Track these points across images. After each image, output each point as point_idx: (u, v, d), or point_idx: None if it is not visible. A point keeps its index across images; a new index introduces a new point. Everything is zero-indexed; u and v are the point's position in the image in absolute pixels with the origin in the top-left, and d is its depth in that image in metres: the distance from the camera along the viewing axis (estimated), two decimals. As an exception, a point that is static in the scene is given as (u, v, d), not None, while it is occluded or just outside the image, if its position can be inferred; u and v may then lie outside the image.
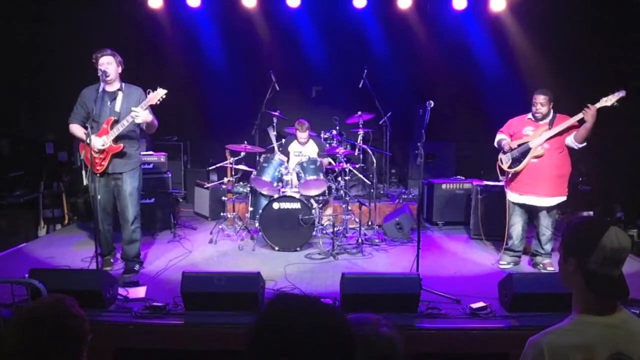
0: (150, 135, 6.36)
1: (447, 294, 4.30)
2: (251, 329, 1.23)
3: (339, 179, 6.56)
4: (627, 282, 1.73)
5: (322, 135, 7.44)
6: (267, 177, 6.08)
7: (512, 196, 5.22)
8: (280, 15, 8.28)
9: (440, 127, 7.33)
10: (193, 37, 8.46)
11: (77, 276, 4.32)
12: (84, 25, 7.62)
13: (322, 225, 6.28)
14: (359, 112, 7.23)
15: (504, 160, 5.20)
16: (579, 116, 4.80)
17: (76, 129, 4.86)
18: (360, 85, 7.66)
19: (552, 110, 5.03)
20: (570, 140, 4.95)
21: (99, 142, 4.69)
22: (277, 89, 7.84)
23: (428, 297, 4.20)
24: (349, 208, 6.42)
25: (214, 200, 7.34)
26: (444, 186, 7.07)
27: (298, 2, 7.89)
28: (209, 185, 7.41)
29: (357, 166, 6.94)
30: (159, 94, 4.67)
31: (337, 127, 7.57)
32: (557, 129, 4.92)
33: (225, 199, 6.62)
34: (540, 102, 4.96)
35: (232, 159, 6.53)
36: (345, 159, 6.47)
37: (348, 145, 7.54)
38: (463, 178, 7.21)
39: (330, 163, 6.78)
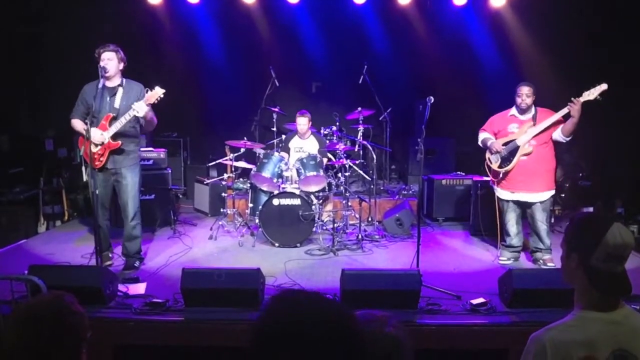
0: (150, 131, 6.34)
1: (448, 290, 4.30)
2: (255, 326, 1.22)
3: (339, 175, 6.55)
4: (630, 278, 1.73)
5: (322, 131, 7.43)
6: (267, 173, 6.07)
7: (503, 194, 5.21)
8: (280, 11, 8.26)
9: (440, 123, 7.33)
10: (193, 33, 8.44)
11: (77, 272, 4.31)
12: (84, 22, 7.60)
13: (322, 221, 6.28)
14: (359, 108, 7.22)
15: (493, 160, 5.20)
16: (565, 111, 4.83)
17: (77, 124, 4.85)
18: (360, 81, 7.65)
19: (533, 104, 5.07)
20: (558, 134, 4.99)
21: (97, 135, 4.68)
22: (277, 84, 7.84)
23: (428, 293, 4.20)
24: (349, 204, 6.41)
25: (213, 197, 7.34)
26: (444, 182, 7.06)
27: (298, -3, 7.87)
28: (208, 181, 7.41)
29: (357, 162, 6.93)
30: (157, 93, 4.64)
31: (337, 123, 7.56)
32: (543, 125, 4.95)
33: (225, 195, 6.62)
34: (526, 93, 4.99)
35: (232, 155, 6.52)
36: (345, 155, 6.46)
37: (348, 141, 7.53)
38: (463, 174, 7.20)
39: (329, 160, 6.78)
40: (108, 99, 4.78)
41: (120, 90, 4.80)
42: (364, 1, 7.91)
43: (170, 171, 7.17)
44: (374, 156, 7.10)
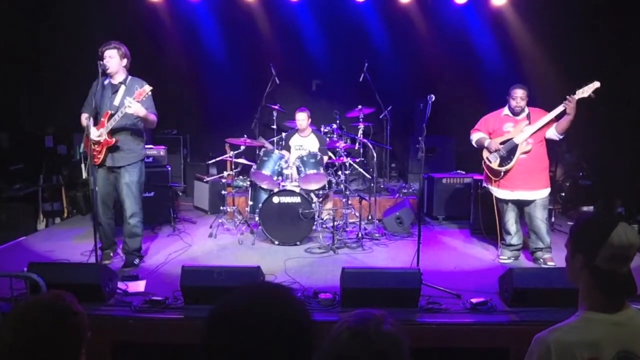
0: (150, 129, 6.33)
1: (448, 289, 4.29)
2: (203, 322, 1.26)
3: (339, 173, 6.54)
4: (635, 279, 1.72)
5: (322, 129, 7.42)
6: (267, 171, 6.06)
7: (501, 193, 5.20)
8: (280, 8, 8.24)
9: (441, 121, 7.31)
10: (193, 30, 8.42)
11: (76, 270, 4.30)
12: (85, 19, 7.59)
13: (322, 219, 6.26)
14: (360, 106, 7.21)
15: (492, 160, 5.18)
16: (560, 109, 4.84)
17: (83, 119, 4.85)
18: (360, 79, 7.63)
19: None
20: (552, 132, 5.02)
21: (95, 133, 4.68)
22: (277, 82, 7.82)
23: (428, 291, 4.19)
24: (349, 202, 6.40)
25: (213, 194, 7.33)
26: (444, 180, 7.05)
27: (298, -6, 7.86)
28: (208, 179, 7.40)
29: (358, 160, 6.92)
30: (145, 90, 4.58)
31: (338, 121, 7.55)
32: (540, 123, 4.97)
33: (225, 192, 6.60)
34: (520, 96, 5.01)
35: (232, 152, 6.51)
36: (345, 153, 6.45)
37: (348, 139, 7.52)
38: (463, 172, 7.19)
39: (330, 158, 6.77)
40: (110, 95, 4.78)
41: (122, 88, 4.79)
42: (365, -1, 7.90)
43: (170, 168, 7.16)
44: (374, 154, 7.09)
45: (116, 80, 4.80)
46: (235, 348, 1.20)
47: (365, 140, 7.14)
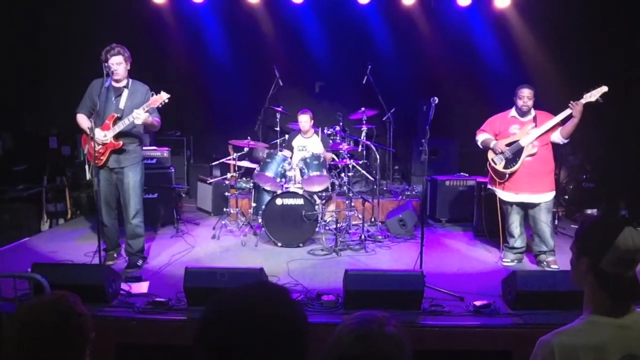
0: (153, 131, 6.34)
1: (451, 291, 4.28)
2: (197, 322, 1.25)
3: (342, 175, 6.54)
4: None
5: (325, 131, 7.42)
6: (270, 173, 6.06)
7: (506, 195, 5.18)
8: (284, 11, 8.26)
9: (444, 124, 7.30)
10: (197, 32, 8.45)
11: (80, 271, 4.30)
12: (88, 20, 7.61)
13: (325, 221, 6.26)
14: (363, 108, 7.21)
15: (497, 161, 5.17)
16: (567, 112, 4.85)
17: (82, 120, 4.86)
18: (364, 81, 7.65)
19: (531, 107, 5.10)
20: (557, 136, 5.02)
21: (100, 134, 4.70)
22: (281, 84, 7.84)
23: (431, 294, 4.18)
24: (352, 204, 6.40)
25: (216, 196, 7.33)
26: (447, 183, 7.04)
27: (302, -3, 7.87)
28: (211, 180, 7.41)
29: (361, 162, 6.93)
30: (161, 97, 4.67)
31: (341, 123, 7.55)
32: (546, 126, 4.97)
33: (228, 194, 6.61)
34: (527, 96, 5.01)
35: (235, 154, 6.52)
36: (348, 155, 6.45)
37: (351, 142, 7.52)
38: (467, 175, 7.17)
39: (333, 159, 6.77)
40: (113, 99, 4.80)
41: (126, 91, 4.81)
42: (368, 1, 7.90)
43: (173, 170, 7.16)
44: (377, 156, 7.09)
45: (120, 83, 4.82)
46: (226, 348, 1.19)
47: (368, 143, 7.14)
